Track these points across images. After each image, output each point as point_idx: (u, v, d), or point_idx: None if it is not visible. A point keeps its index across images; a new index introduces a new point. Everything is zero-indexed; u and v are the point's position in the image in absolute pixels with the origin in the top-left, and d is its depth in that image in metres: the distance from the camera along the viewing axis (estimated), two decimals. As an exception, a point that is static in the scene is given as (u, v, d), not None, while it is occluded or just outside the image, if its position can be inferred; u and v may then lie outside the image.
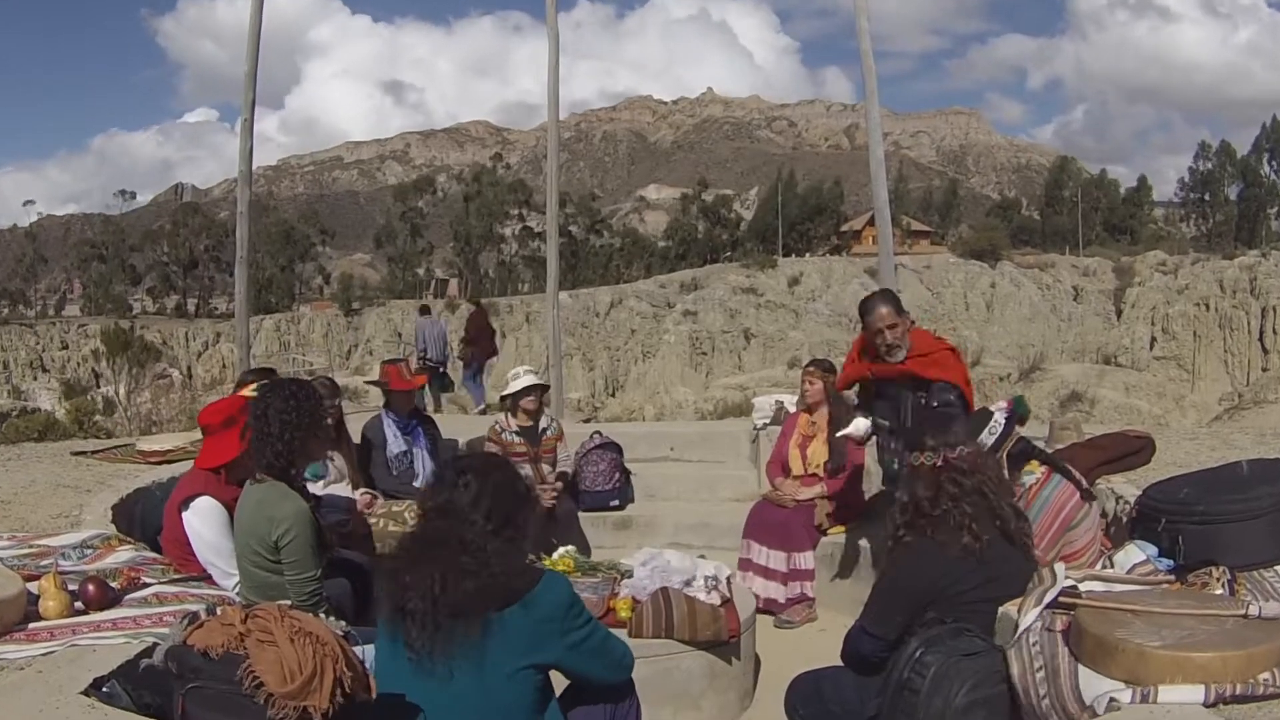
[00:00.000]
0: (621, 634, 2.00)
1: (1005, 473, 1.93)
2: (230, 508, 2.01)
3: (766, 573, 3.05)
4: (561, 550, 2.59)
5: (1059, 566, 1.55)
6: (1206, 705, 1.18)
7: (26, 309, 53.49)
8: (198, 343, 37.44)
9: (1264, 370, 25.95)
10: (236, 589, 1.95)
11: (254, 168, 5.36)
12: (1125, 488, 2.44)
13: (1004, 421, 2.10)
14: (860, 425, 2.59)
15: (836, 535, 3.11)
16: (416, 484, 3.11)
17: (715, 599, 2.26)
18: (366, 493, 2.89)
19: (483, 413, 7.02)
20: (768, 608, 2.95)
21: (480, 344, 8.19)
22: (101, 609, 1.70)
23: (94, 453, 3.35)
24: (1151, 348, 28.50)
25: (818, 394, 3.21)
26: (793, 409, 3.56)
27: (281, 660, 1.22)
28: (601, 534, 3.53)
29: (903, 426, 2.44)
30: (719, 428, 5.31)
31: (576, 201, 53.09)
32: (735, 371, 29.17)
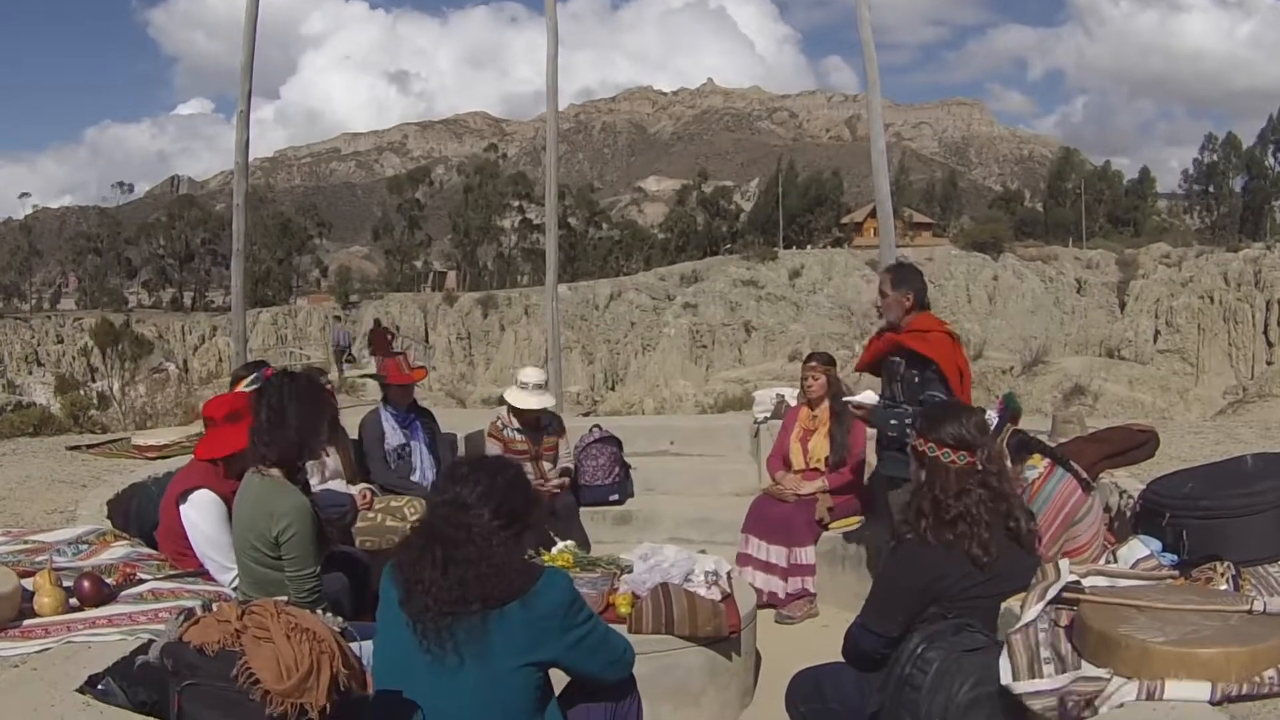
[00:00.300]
0: (621, 630, 2.00)
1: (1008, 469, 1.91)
2: (228, 501, 2.00)
3: (767, 567, 3.04)
4: (560, 545, 2.58)
5: (1062, 562, 1.54)
6: (1213, 703, 1.17)
7: (21, 302, 53.51)
8: (194, 336, 37.32)
9: (1268, 364, 25.86)
10: (233, 583, 1.94)
11: (250, 159, 5.30)
12: (1129, 482, 2.43)
13: (996, 419, 2.09)
14: (869, 396, 2.58)
15: (838, 530, 3.10)
16: (414, 478, 3.10)
17: (715, 594, 2.25)
18: (366, 488, 2.88)
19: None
20: (769, 603, 2.94)
21: (379, 348, 13.54)
22: (97, 605, 1.69)
23: (89, 447, 3.34)
24: (1155, 341, 28.40)
25: (820, 388, 3.19)
26: (794, 402, 3.55)
27: (278, 657, 1.21)
28: (601, 529, 3.52)
29: (920, 403, 2.39)
30: (719, 421, 5.30)
31: (575, 193, 52.84)
32: (736, 365, 29.16)
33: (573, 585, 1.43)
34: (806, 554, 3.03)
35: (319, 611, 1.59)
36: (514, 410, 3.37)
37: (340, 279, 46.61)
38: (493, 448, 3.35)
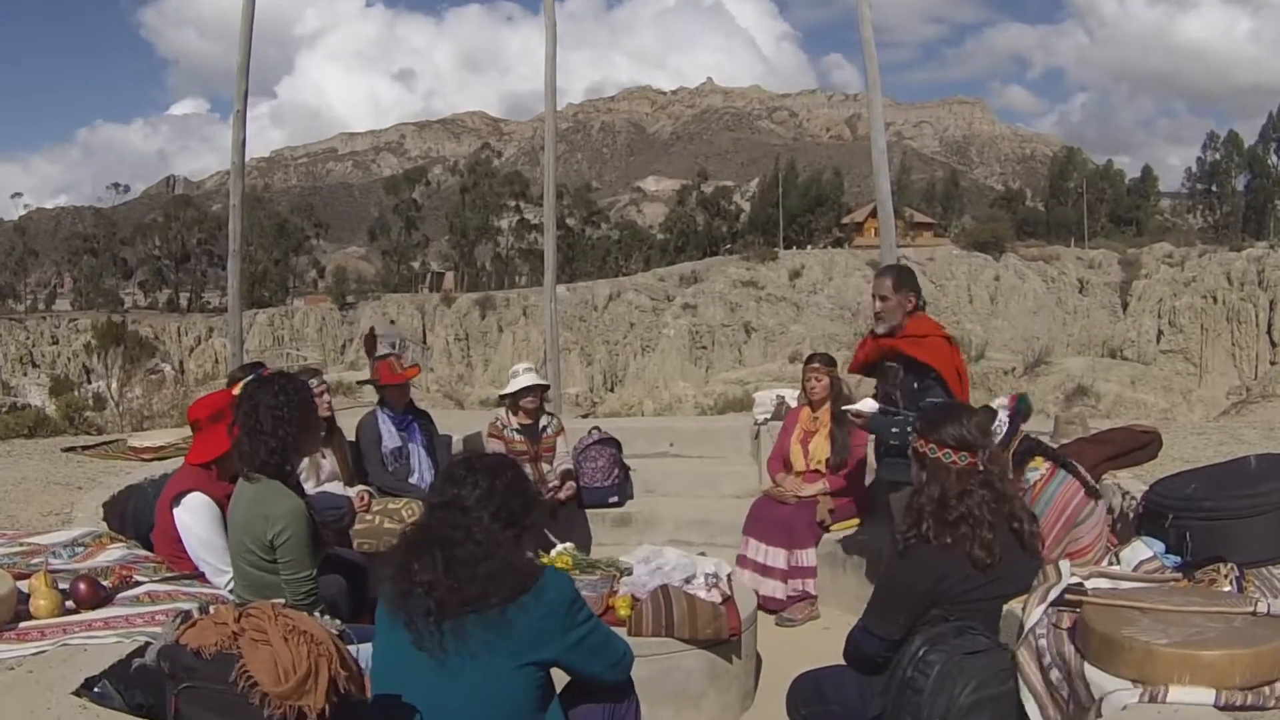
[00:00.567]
0: (621, 632, 1.99)
1: (1010, 471, 1.90)
2: (222, 504, 1.98)
3: (767, 570, 3.03)
4: (560, 547, 2.57)
5: (1064, 563, 1.53)
6: (1218, 708, 1.16)
7: (16, 303, 53.07)
8: (190, 337, 37.29)
9: (1272, 364, 25.83)
10: (229, 586, 1.93)
11: (247, 160, 5.29)
12: (1132, 483, 2.41)
13: (1008, 420, 2.08)
14: (869, 404, 2.56)
15: (839, 532, 3.09)
16: (413, 480, 3.09)
17: (716, 597, 2.24)
18: (363, 491, 2.87)
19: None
20: (769, 605, 2.93)
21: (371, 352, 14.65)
22: (93, 608, 1.68)
23: (85, 449, 3.32)
24: (1158, 341, 28.37)
25: (823, 390, 3.17)
26: (794, 403, 3.54)
27: (275, 660, 1.20)
28: (600, 531, 3.51)
29: (920, 409, 2.39)
30: (719, 423, 5.29)
31: (574, 193, 52.80)
32: (736, 366, 29.15)
33: (574, 585, 1.42)
34: (807, 556, 3.02)
35: (317, 614, 1.59)
36: (512, 406, 3.36)
37: (337, 280, 46.53)
38: (493, 448, 3.34)
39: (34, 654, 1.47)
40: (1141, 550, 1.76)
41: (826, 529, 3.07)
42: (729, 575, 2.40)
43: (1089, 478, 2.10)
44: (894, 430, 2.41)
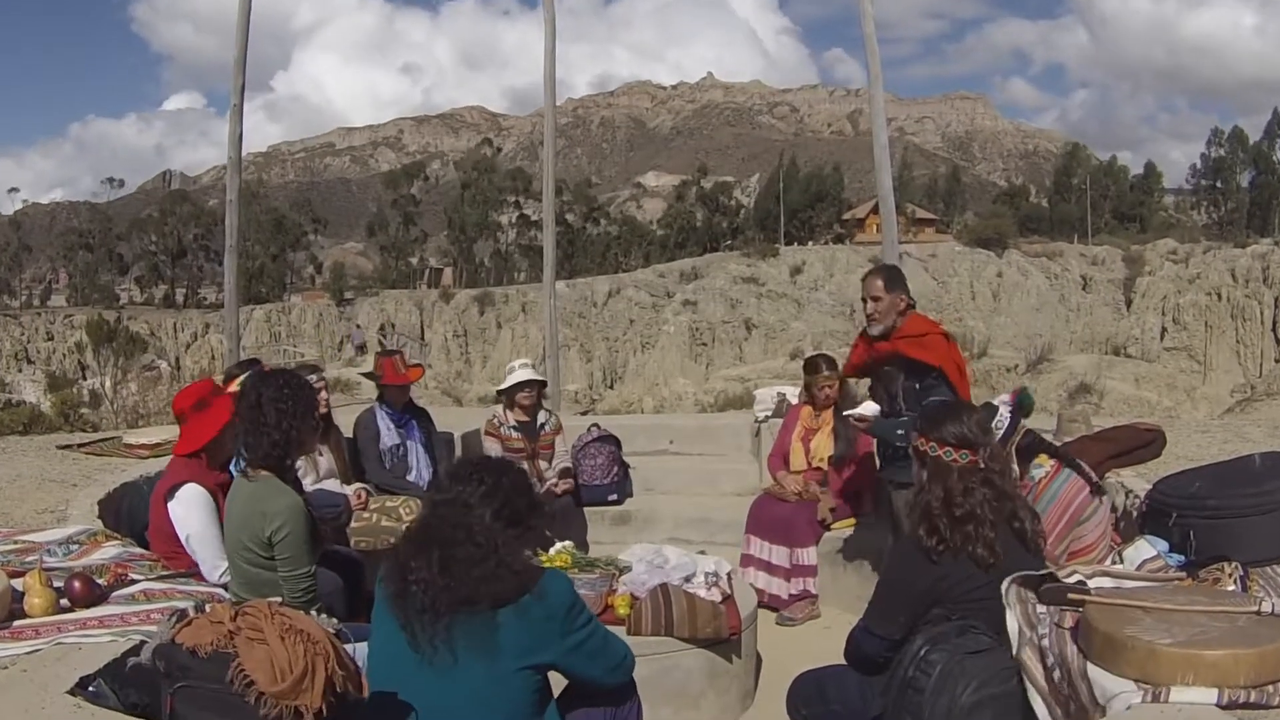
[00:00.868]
0: (619, 631, 1.98)
1: (1014, 468, 1.89)
2: (215, 494, 1.97)
3: (769, 568, 3.02)
4: (559, 546, 2.56)
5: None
6: (1220, 708, 1.15)
7: (11, 299, 52.72)
8: (186, 334, 37.13)
9: (1276, 361, 25.75)
10: (224, 578, 1.91)
11: (244, 154, 5.26)
12: (1135, 482, 2.41)
13: (1009, 416, 2.06)
14: (870, 407, 2.54)
15: (840, 530, 3.08)
16: (410, 478, 3.08)
17: (715, 595, 2.23)
18: (361, 488, 2.85)
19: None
20: (770, 604, 2.92)
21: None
22: (88, 606, 1.67)
23: (80, 446, 3.31)
24: (1162, 338, 28.27)
25: (836, 395, 3.14)
26: (795, 401, 3.52)
27: (272, 659, 1.20)
28: (599, 529, 3.49)
29: (922, 409, 2.36)
30: (719, 420, 5.27)
31: (573, 189, 52.64)
32: (736, 363, 29.11)
33: (573, 588, 1.41)
34: (808, 555, 3.00)
35: (313, 613, 1.57)
36: (508, 402, 3.34)
37: (335, 275, 46.34)
38: (490, 445, 3.32)
39: (28, 653, 1.46)
40: (1145, 549, 1.75)
41: (827, 527, 3.06)
42: (729, 574, 2.39)
43: (1093, 475, 2.09)
44: (899, 432, 2.39)
